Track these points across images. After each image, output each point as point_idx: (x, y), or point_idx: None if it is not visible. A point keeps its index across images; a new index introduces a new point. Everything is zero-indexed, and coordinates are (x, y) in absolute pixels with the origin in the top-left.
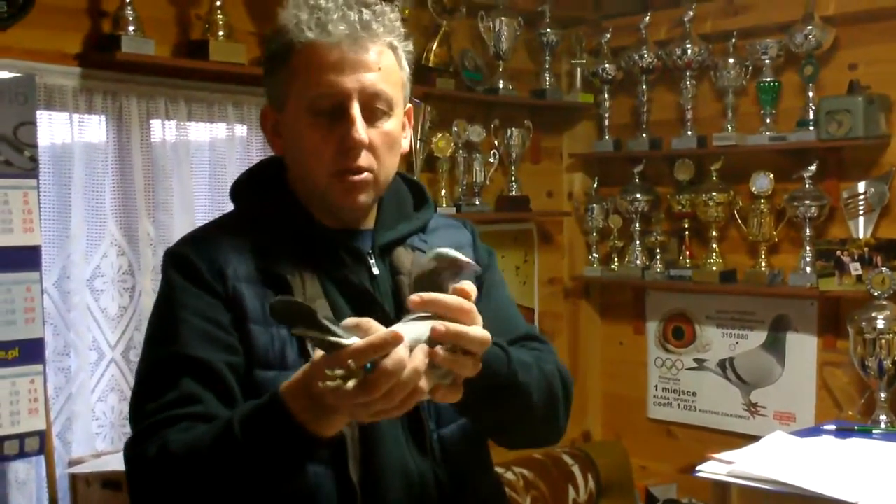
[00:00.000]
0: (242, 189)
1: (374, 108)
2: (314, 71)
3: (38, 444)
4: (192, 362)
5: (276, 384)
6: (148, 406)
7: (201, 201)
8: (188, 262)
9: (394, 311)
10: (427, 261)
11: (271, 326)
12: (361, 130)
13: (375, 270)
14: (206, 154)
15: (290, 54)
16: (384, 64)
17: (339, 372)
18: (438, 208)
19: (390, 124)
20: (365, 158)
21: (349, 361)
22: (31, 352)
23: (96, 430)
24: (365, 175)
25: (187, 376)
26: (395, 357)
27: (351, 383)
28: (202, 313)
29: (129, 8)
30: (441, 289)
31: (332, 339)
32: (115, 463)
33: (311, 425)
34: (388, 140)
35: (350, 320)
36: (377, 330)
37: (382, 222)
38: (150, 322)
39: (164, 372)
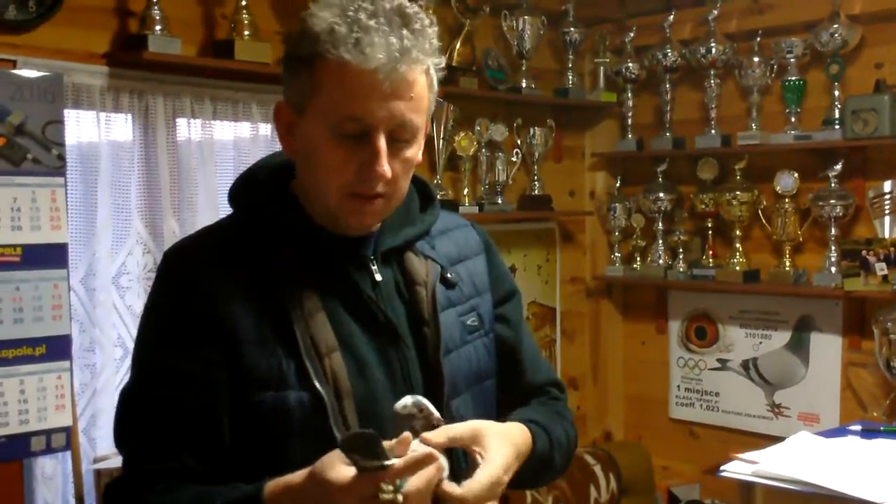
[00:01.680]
0: (241, 193)
1: (399, 137)
2: (343, 93)
3: (65, 440)
4: (179, 410)
5: (274, 405)
6: (133, 446)
7: (225, 200)
8: (180, 292)
9: (408, 321)
10: (410, 405)
11: (266, 346)
12: (386, 165)
13: (378, 276)
14: (231, 153)
15: (318, 64)
16: (416, 91)
17: (390, 488)
18: (461, 208)
19: (411, 151)
20: (381, 186)
21: (396, 479)
22: (57, 348)
23: None
24: (378, 201)
25: (173, 424)
26: (427, 472)
27: (400, 497)
28: (188, 351)
29: (155, 7)
30: (412, 431)
31: (386, 462)
32: None
33: None
34: (406, 167)
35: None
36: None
37: (386, 226)
38: (135, 349)
39: (151, 413)
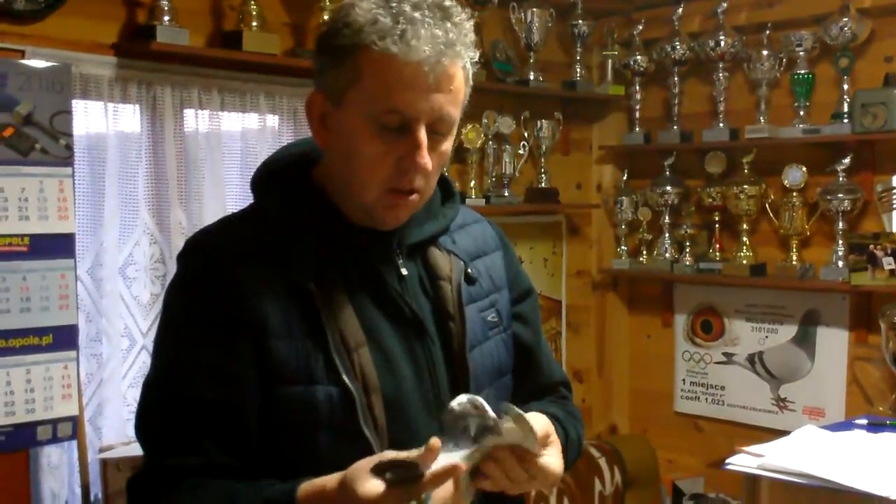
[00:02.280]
0: (265, 181)
1: (438, 130)
2: (386, 85)
3: (71, 429)
4: (204, 405)
5: (302, 399)
6: (157, 439)
7: (232, 191)
8: (205, 283)
9: (433, 316)
10: (465, 402)
11: (295, 340)
12: (427, 157)
13: (404, 271)
14: (238, 144)
15: (360, 55)
16: (455, 85)
17: (413, 503)
18: (467, 200)
19: (447, 144)
20: (419, 180)
21: (422, 493)
22: (64, 338)
23: (127, 417)
24: (414, 196)
25: (198, 418)
26: (446, 487)
27: None
28: (213, 344)
29: None
30: (466, 430)
31: (416, 475)
32: None
33: None
34: (441, 160)
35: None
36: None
37: (410, 221)
38: (156, 339)
39: (177, 407)
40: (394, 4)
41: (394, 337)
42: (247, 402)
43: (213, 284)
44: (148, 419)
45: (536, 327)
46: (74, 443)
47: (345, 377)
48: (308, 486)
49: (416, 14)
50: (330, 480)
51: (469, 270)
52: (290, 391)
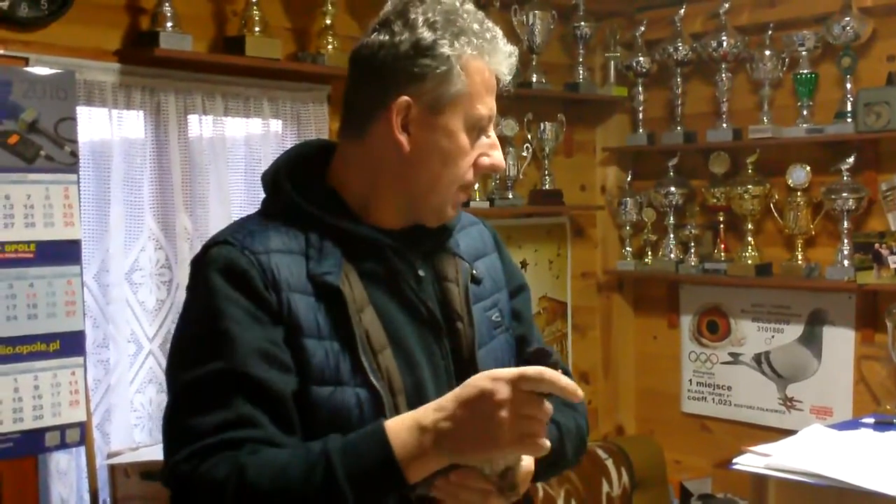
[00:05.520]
0: (282, 181)
1: None
2: (485, 92)
3: (79, 435)
4: (247, 380)
5: (332, 400)
6: (196, 425)
7: (237, 196)
8: (236, 268)
9: (441, 317)
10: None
11: (325, 340)
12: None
13: (421, 272)
14: (242, 149)
15: (470, 64)
16: None
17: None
18: (472, 202)
19: None
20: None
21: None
22: (71, 344)
23: (135, 422)
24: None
25: (242, 395)
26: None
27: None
28: (255, 328)
29: (166, 4)
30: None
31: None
32: (153, 454)
33: (406, 465)
34: None
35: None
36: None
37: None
38: (185, 333)
39: (215, 388)
40: (480, 16)
41: (413, 337)
42: (291, 391)
43: (250, 276)
44: (191, 408)
45: (529, 322)
46: (83, 449)
47: (372, 378)
48: (398, 419)
49: (490, 25)
50: (427, 409)
51: (474, 271)
52: (320, 392)
